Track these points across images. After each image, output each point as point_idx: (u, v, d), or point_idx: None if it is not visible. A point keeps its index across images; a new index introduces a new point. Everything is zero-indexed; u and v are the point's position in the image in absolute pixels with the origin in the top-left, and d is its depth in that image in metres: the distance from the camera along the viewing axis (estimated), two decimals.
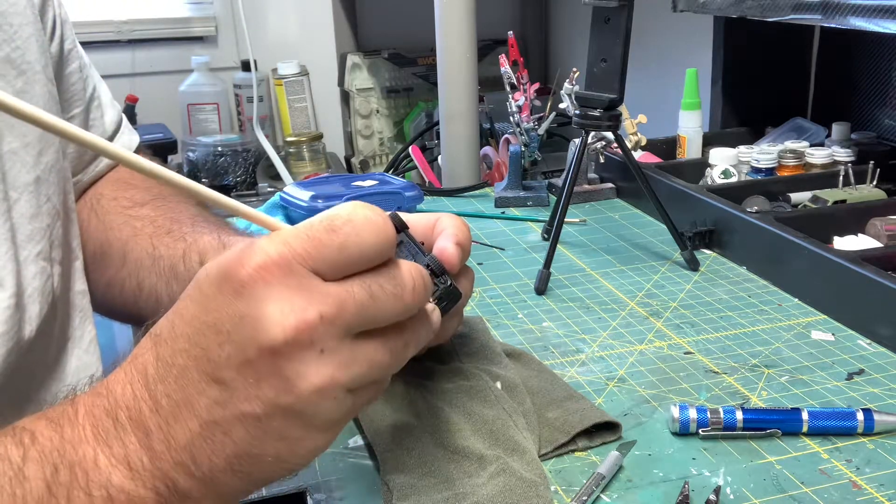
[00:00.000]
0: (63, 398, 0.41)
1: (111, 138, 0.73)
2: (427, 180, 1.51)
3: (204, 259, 0.63)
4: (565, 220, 0.92)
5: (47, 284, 0.57)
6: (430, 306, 0.46)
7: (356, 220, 0.39)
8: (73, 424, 0.39)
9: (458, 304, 0.54)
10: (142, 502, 0.38)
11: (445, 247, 0.52)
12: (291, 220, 1.05)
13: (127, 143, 0.75)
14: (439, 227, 0.55)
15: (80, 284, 0.64)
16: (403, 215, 0.49)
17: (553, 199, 1.14)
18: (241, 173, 1.76)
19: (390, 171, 1.74)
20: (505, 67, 1.11)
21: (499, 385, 0.60)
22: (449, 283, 0.49)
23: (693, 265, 0.90)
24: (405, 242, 0.50)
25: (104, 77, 0.76)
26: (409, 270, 0.41)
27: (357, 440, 0.59)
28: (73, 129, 0.39)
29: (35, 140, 0.57)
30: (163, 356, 0.39)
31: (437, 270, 0.49)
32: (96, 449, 0.38)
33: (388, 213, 0.50)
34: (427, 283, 0.42)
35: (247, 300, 0.37)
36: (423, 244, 0.50)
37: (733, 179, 1.10)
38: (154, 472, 0.38)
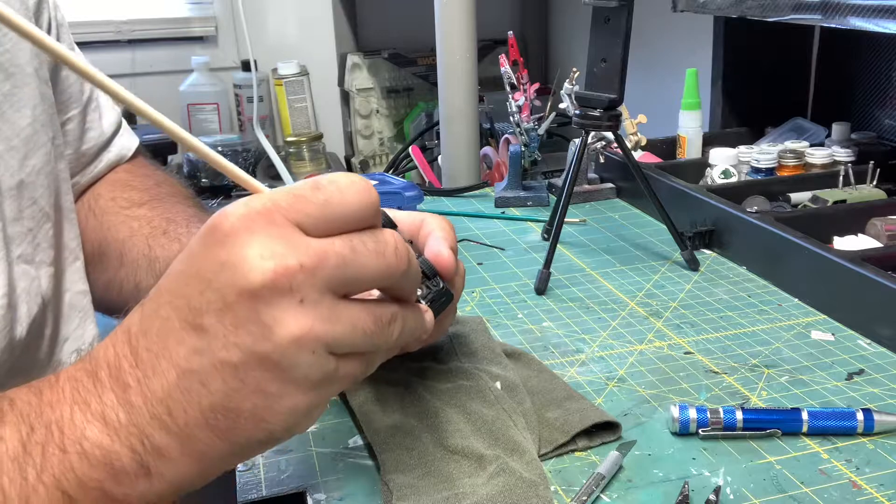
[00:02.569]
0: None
1: (110, 140, 0.73)
2: (427, 180, 1.51)
3: None
4: (565, 220, 0.92)
5: (33, 286, 0.57)
6: (423, 307, 0.46)
7: (340, 182, 0.40)
8: (53, 387, 0.40)
9: (451, 303, 0.54)
10: (117, 458, 0.38)
11: (440, 251, 0.52)
12: None
13: (126, 144, 0.75)
14: (426, 227, 0.55)
15: (80, 285, 0.64)
16: (390, 212, 0.49)
17: (553, 199, 1.14)
18: None
19: (390, 171, 1.74)
20: (505, 67, 1.11)
21: (498, 385, 0.60)
22: (441, 285, 0.49)
23: (693, 265, 0.90)
24: None
25: None
26: (392, 233, 0.42)
27: (357, 440, 0.59)
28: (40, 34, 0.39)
29: (20, 143, 0.57)
30: (147, 311, 0.40)
31: (428, 273, 0.49)
32: (73, 407, 0.39)
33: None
34: (409, 250, 0.42)
35: (229, 247, 0.37)
36: (411, 243, 0.50)
37: (733, 179, 1.10)
38: (129, 429, 0.38)
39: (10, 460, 0.38)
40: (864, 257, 0.76)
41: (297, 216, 0.38)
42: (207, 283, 0.38)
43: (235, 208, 0.38)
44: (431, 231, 0.54)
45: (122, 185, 0.73)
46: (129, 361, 0.39)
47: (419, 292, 0.47)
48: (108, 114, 0.73)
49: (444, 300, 0.49)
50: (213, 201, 1.70)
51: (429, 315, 0.46)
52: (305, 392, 0.39)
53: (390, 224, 0.48)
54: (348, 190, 0.39)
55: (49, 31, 0.65)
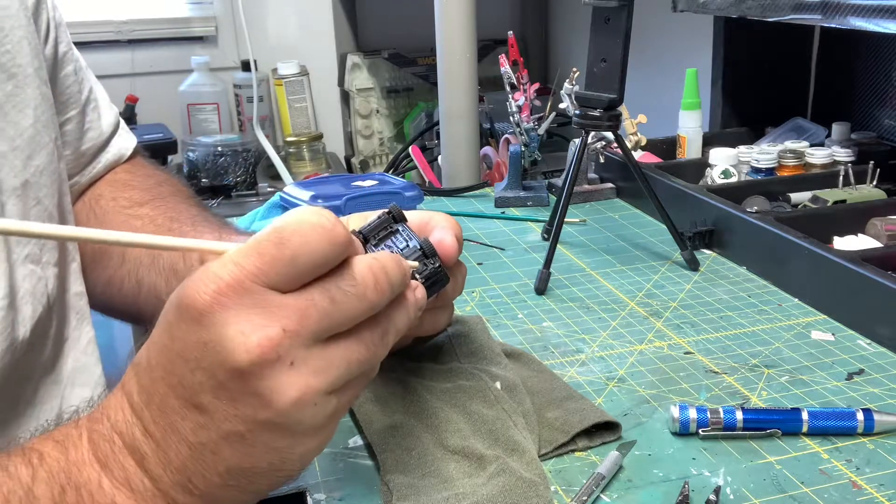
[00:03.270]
0: (67, 420, 0.42)
1: (108, 140, 0.73)
2: (427, 180, 1.51)
3: (205, 257, 0.63)
4: (565, 220, 0.92)
5: (39, 286, 0.57)
6: (414, 283, 0.46)
7: (303, 229, 0.38)
8: (77, 447, 0.40)
9: (448, 296, 0.56)
10: None
11: (443, 237, 0.53)
12: None
13: (124, 144, 0.75)
14: (434, 223, 0.56)
15: (77, 286, 0.64)
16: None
17: (553, 199, 1.14)
18: (241, 173, 1.76)
19: (390, 171, 1.74)
20: (505, 67, 1.11)
21: (498, 385, 0.60)
22: (438, 264, 0.50)
23: (693, 265, 0.90)
24: (401, 230, 0.51)
25: (104, 77, 0.76)
26: (369, 266, 0.41)
27: (357, 440, 0.59)
28: (100, 233, 0.41)
29: (24, 143, 0.57)
30: (144, 385, 0.40)
31: (427, 252, 0.50)
32: (100, 473, 0.39)
33: (390, 204, 0.51)
34: (390, 275, 0.42)
35: (207, 327, 0.37)
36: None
37: (733, 179, 1.10)
38: (155, 493, 0.39)
39: None
40: (864, 257, 0.76)
41: (268, 279, 0.37)
42: (195, 363, 0.38)
43: (205, 283, 0.37)
44: (438, 224, 0.55)
45: (123, 186, 0.73)
46: (141, 430, 0.39)
47: (416, 266, 0.48)
48: (106, 114, 0.73)
49: (439, 281, 0.50)
50: (214, 201, 1.70)
51: (419, 291, 0.46)
52: (315, 436, 0.40)
53: (402, 218, 0.50)
54: (313, 236, 0.38)
55: (47, 32, 0.65)
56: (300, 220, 0.39)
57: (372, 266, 0.41)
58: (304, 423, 0.38)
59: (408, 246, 0.50)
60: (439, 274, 0.50)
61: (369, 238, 0.51)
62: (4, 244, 0.54)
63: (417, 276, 0.48)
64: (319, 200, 1.01)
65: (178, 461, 0.39)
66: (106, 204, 0.71)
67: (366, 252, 0.45)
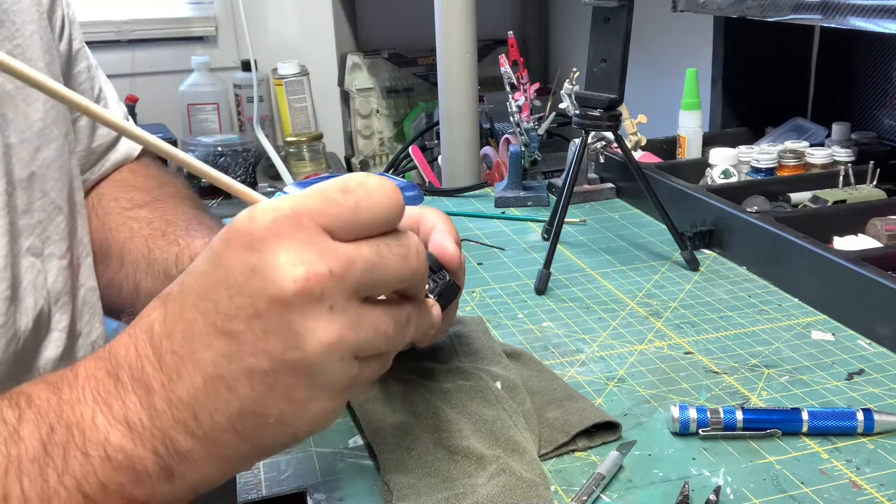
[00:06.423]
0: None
1: (118, 139, 0.74)
2: (427, 180, 1.51)
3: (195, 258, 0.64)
4: (565, 220, 0.92)
5: (38, 279, 0.57)
6: (431, 301, 0.46)
7: (369, 185, 0.39)
8: (72, 386, 0.39)
9: (457, 296, 0.55)
10: (140, 462, 0.38)
11: (445, 245, 0.53)
12: None
13: (133, 144, 0.75)
14: (427, 222, 0.55)
15: (91, 281, 0.64)
16: None
17: (553, 199, 1.14)
18: (241, 173, 1.76)
19: (390, 171, 1.74)
20: (505, 67, 1.11)
21: (499, 385, 0.60)
22: (448, 278, 0.49)
23: (693, 265, 0.90)
24: None
25: None
26: (412, 236, 0.42)
27: (357, 440, 0.59)
28: (71, 94, 0.39)
29: (33, 136, 0.58)
30: (171, 312, 0.39)
31: (434, 267, 0.49)
32: (94, 409, 0.38)
33: None
34: (423, 252, 0.43)
35: (258, 252, 0.37)
36: None
37: (733, 179, 1.10)
38: (153, 432, 0.38)
39: (29, 461, 0.37)
40: (864, 257, 0.76)
41: (326, 220, 0.38)
42: (237, 287, 0.37)
43: (264, 212, 0.38)
44: (434, 226, 0.55)
45: (125, 186, 0.73)
46: (153, 364, 0.38)
47: (427, 286, 0.48)
48: (116, 112, 0.74)
49: (450, 293, 0.50)
50: (214, 201, 1.70)
51: (436, 309, 0.46)
52: (332, 397, 0.39)
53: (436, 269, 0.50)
54: (377, 194, 0.39)
55: (62, 29, 0.65)
56: (366, 177, 0.40)
57: (414, 236, 0.42)
58: (326, 376, 0.38)
59: None
60: (450, 287, 0.50)
61: None
62: (9, 235, 0.55)
63: (430, 295, 0.48)
64: None
65: (186, 395, 0.38)
66: (107, 204, 0.71)
67: None
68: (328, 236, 0.38)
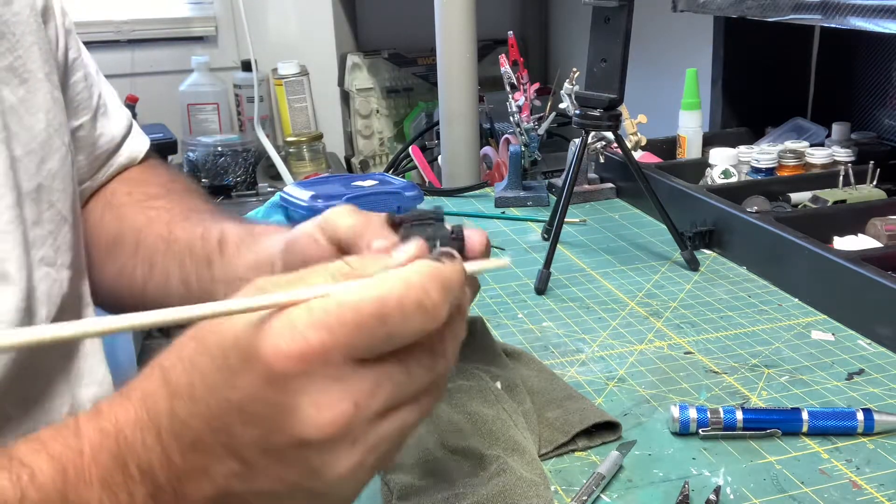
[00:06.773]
0: (62, 423, 0.39)
1: (121, 144, 0.74)
2: (427, 180, 1.51)
3: (225, 236, 0.62)
4: (565, 220, 0.92)
5: (54, 288, 0.57)
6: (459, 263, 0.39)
7: (407, 307, 0.35)
8: (79, 468, 0.37)
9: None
10: None
11: (473, 233, 0.49)
12: (291, 220, 1.05)
13: (137, 147, 0.75)
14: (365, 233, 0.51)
15: (87, 292, 0.65)
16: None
17: (553, 199, 1.14)
18: (241, 173, 1.76)
19: (390, 171, 1.74)
20: (505, 67, 1.11)
21: (499, 385, 0.60)
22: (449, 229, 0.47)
23: (693, 265, 0.90)
24: (435, 223, 0.47)
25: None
26: (450, 339, 0.38)
27: None
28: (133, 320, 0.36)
29: (37, 147, 0.58)
30: (178, 413, 0.36)
31: (458, 233, 0.47)
32: (101, 495, 0.37)
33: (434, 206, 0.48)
34: (459, 336, 0.39)
35: (280, 390, 0.34)
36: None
37: (733, 179, 1.10)
38: None
39: None
40: (864, 257, 0.76)
41: (356, 353, 0.35)
42: (251, 417, 0.35)
43: (288, 343, 0.34)
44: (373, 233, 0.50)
45: (138, 182, 0.73)
46: (161, 461, 0.37)
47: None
48: (117, 118, 0.74)
49: (453, 244, 0.47)
50: (214, 202, 1.70)
51: (464, 272, 0.40)
52: (342, 500, 0.38)
53: (460, 238, 0.46)
54: (414, 318, 0.35)
55: (57, 40, 0.65)
56: (406, 296, 0.35)
57: (447, 336, 0.38)
58: (343, 493, 0.37)
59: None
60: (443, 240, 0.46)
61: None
62: (24, 246, 0.54)
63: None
64: (319, 200, 1.01)
65: (195, 498, 0.36)
66: (122, 197, 0.71)
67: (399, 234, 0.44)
68: (356, 365, 0.35)
